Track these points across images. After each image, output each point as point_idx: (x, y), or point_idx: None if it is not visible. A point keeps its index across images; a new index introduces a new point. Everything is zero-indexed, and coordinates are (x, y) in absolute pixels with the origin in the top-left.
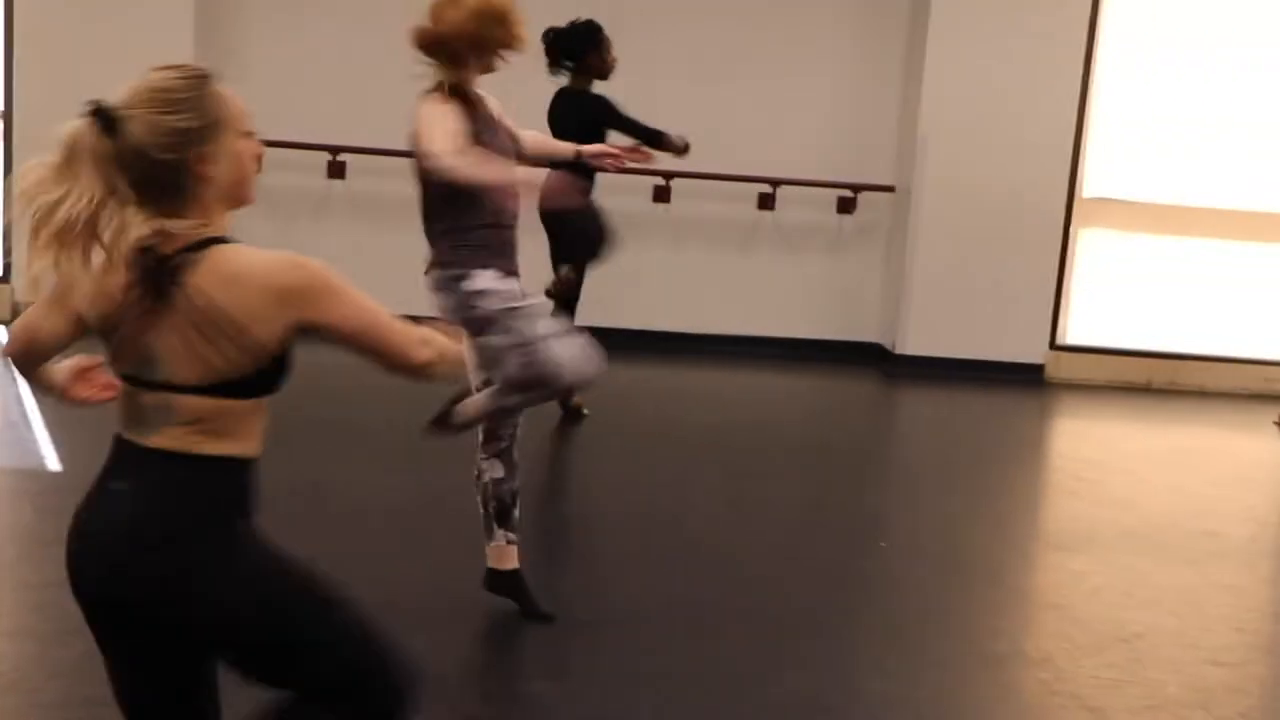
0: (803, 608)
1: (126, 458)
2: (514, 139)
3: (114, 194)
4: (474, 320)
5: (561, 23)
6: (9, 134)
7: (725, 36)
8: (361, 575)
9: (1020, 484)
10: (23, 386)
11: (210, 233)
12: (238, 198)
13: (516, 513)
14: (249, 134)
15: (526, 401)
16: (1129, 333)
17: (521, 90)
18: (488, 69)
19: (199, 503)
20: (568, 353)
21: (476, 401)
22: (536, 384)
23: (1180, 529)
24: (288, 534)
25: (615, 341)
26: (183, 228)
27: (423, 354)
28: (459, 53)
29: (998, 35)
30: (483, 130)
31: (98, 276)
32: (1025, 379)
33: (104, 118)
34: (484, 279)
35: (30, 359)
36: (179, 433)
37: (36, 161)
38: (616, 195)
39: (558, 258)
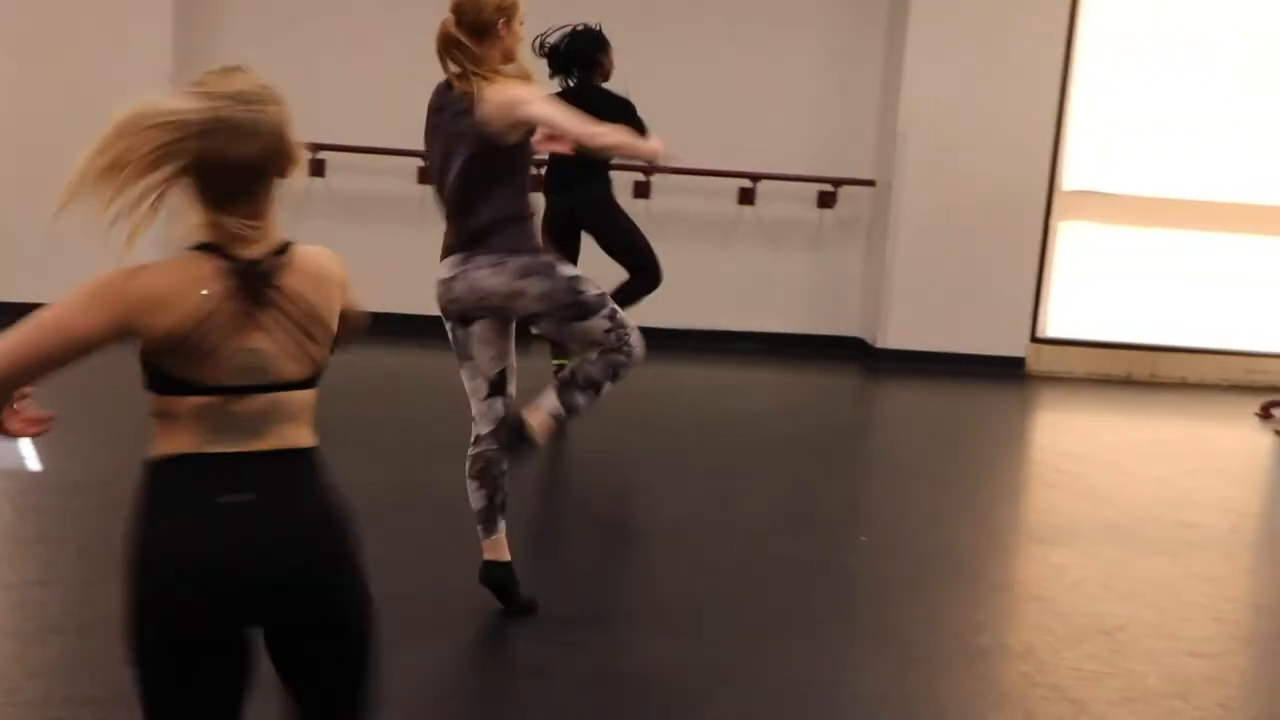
0: (784, 603)
1: (230, 470)
2: None
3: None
4: (579, 304)
5: (541, 24)
6: None
7: (705, 31)
8: None
9: (1001, 477)
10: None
11: (282, 236)
12: None
13: None
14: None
15: (605, 388)
16: (1109, 325)
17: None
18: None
19: (328, 490)
20: (636, 334)
21: (549, 403)
22: (626, 366)
23: (1160, 521)
24: None
25: None
26: (269, 231)
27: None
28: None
29: (977, 29)
30: None
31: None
32: (1006, 372)
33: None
34: (568, 264)
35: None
36: (288, 430)
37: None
38: None
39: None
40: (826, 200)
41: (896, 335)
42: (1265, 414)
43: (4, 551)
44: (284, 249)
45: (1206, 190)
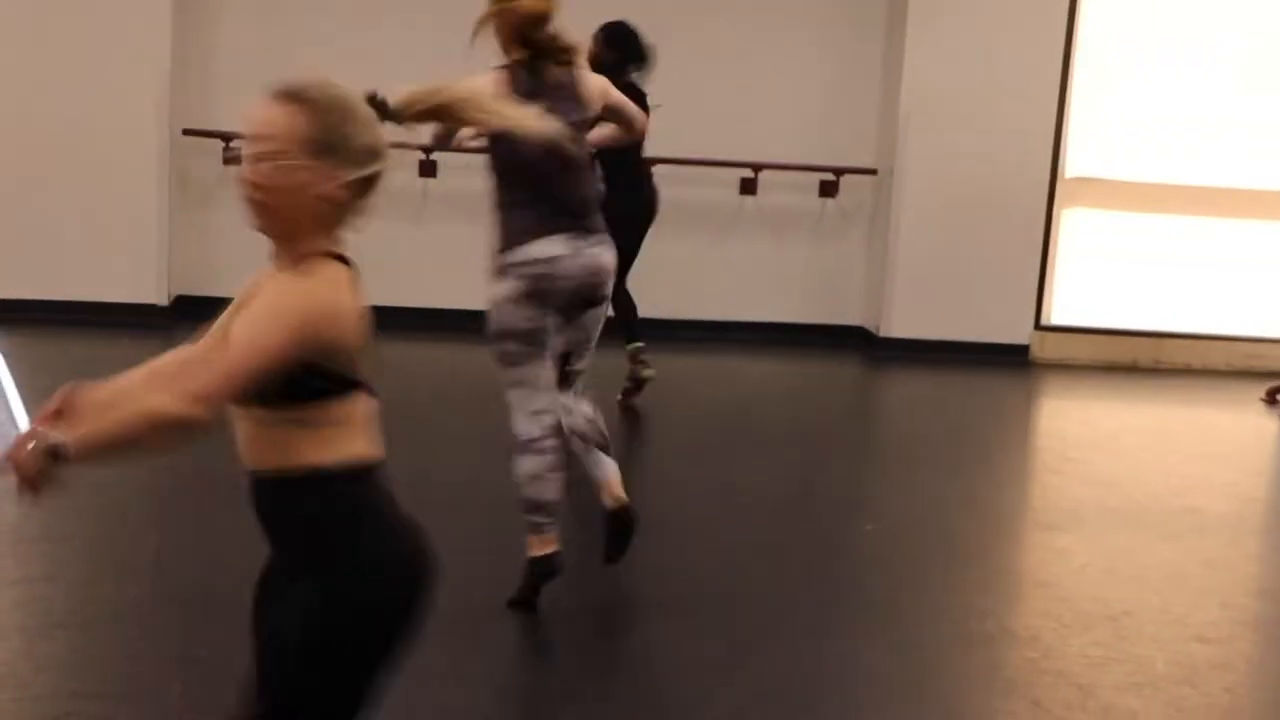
0: (789, 590)
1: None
2: None
3: None
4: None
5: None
6: None
7: (704, 20)
8: None
9: (1006, 464)
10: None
11: None
12: None
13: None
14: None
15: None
16: (1114, 312)
17: None
18: None
19: None
20: None
21: (610, 470)
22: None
23: (1166, 506)
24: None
25: None
26: None
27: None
28: None
29: (978, 16)
30: None
31: None
32: (1010, 360)
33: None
34: None
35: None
36: None
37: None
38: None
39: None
40: (828, 189)
41: (900, 324)
42: (1270, 399)
43: (9, 548)
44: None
45: (1210, 175)
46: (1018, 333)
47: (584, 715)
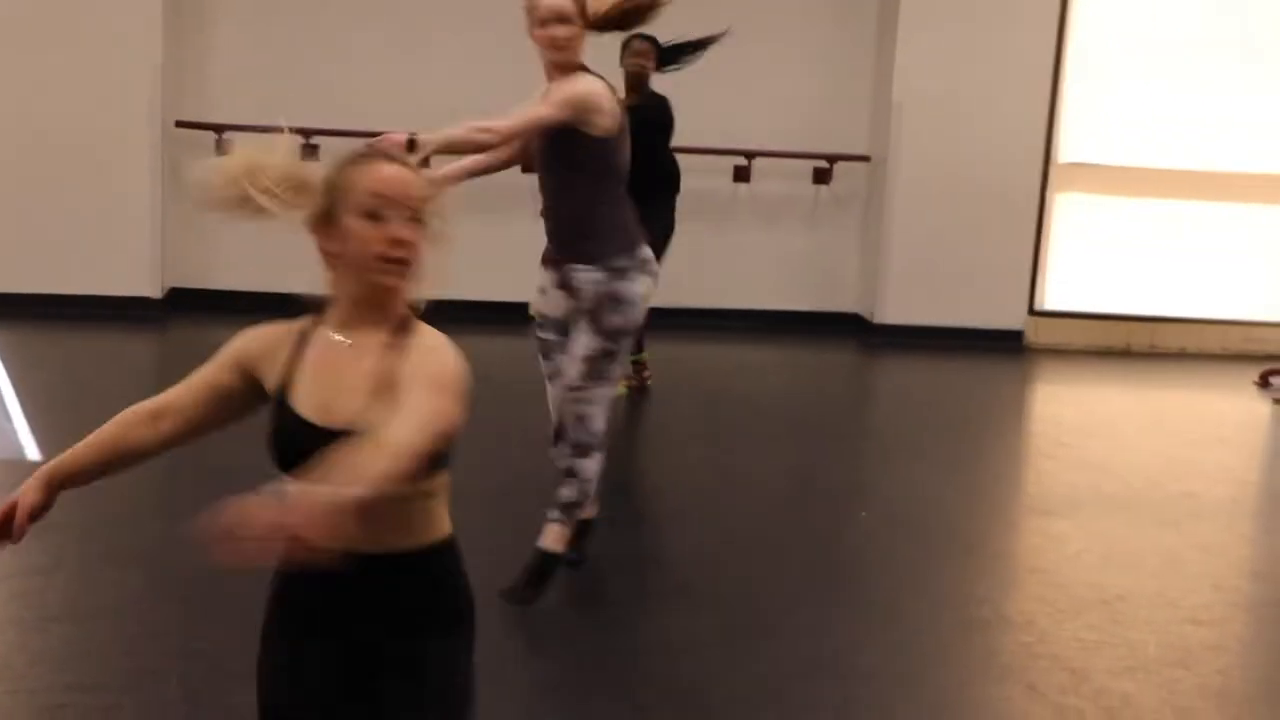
0: (784, 577)
1: None
2: None
3: None
4: None
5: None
6: None
7: (697, 7)
8: None
9: (1000, 450)
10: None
11: None
12: None
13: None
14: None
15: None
16: (1107, 297)
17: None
18: None
19: None
20: None
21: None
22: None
23: (1160, 491)
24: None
25: None
26: None
27: None
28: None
29: (972, 3)
30: None
31: None
32: (1004, 345)
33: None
34: None
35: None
36: None
37: None
38: None
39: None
40: (822, 176)
41: (894, 310)
42: (1264, 383)
43: None
44: None
45: (1204, 160)
46: (1012, 318)
47: (577, 707)
